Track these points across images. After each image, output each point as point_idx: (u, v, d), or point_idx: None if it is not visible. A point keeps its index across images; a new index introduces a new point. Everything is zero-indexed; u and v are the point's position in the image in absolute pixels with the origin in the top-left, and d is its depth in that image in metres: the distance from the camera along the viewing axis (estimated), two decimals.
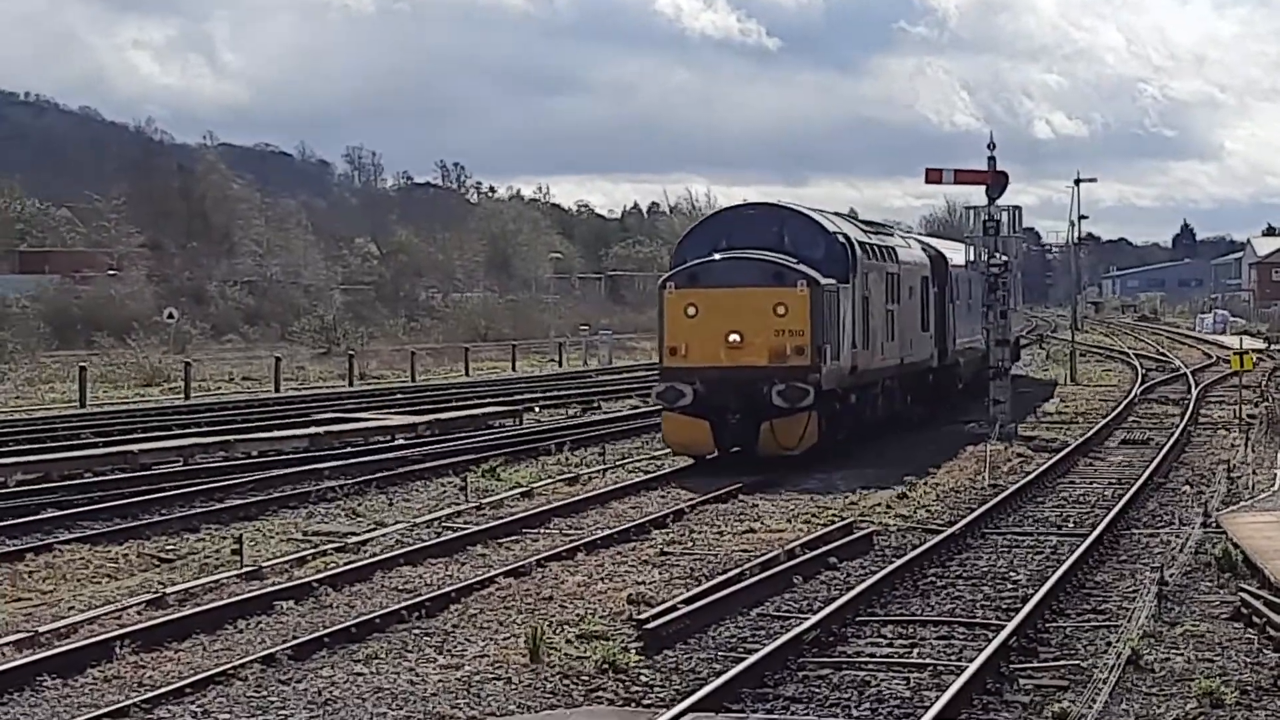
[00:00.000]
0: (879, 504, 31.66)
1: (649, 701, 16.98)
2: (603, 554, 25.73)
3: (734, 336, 37.82)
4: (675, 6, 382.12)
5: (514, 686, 17.44)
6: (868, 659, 19.18)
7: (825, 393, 38.06)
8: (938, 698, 16.45)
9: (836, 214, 46.23)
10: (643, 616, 20.11)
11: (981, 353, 55.65)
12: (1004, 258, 51.41)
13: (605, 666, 18.18)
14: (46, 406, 59.62)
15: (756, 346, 37.85)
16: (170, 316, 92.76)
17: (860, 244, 42.15)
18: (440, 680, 17.59)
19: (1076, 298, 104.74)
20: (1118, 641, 19.64)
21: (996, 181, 50.38)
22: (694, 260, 39.78)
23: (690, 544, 27.09)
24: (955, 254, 55.90)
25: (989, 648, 18.64)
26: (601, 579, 23.52)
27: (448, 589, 22.20)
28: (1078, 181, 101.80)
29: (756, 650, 18.83)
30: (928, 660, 19.07)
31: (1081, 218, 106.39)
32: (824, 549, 25.88)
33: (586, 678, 17.90)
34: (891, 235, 49.94)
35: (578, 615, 20.87)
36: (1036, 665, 18.85)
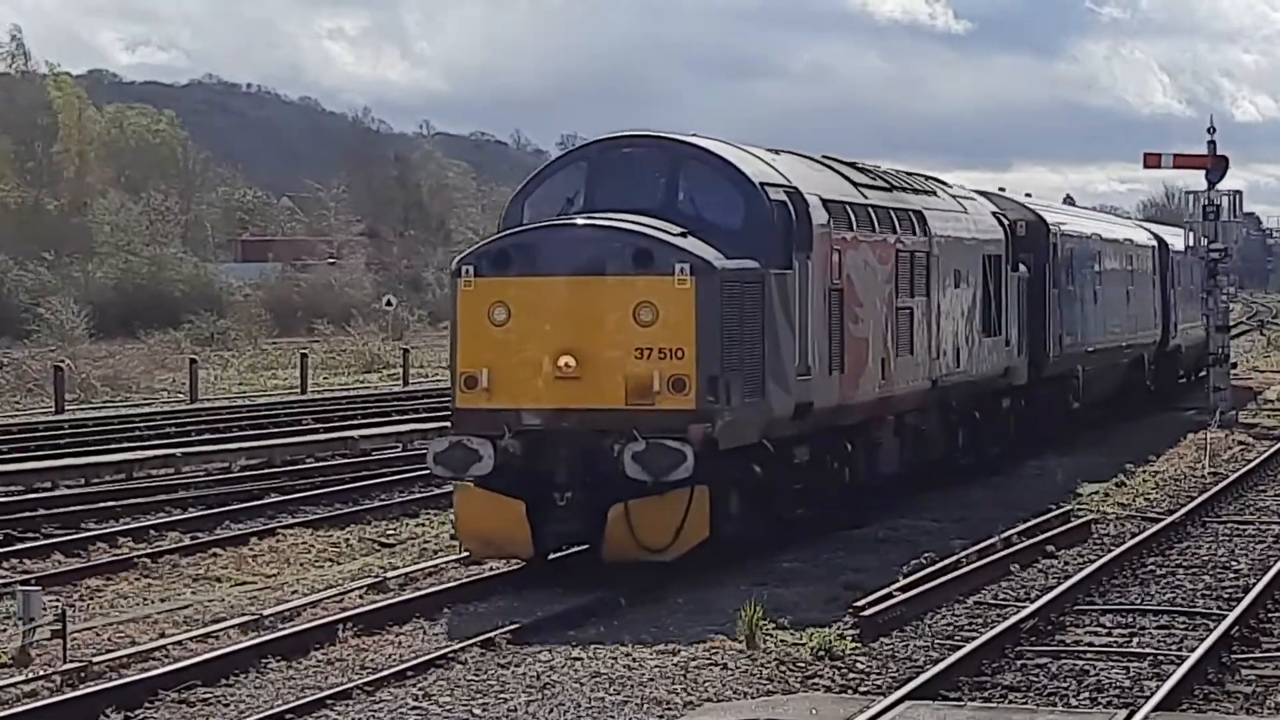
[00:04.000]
0: (1096, 492, 31.31)
1: (865, 689, 16.94)
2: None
3: (567, 360, 20.93)
4: None
5: (730, 672, 17.48)
6: (1086, 648, 19.06)
7: (727, 455, 21.40)
8: (1158, 687, 16.29)
9: (796, 154, 26.36)
10: (860, 603, 20.08)
11: (1199, 341, 54.33)
12: (1220, 246, 50.82)
13: (821, 653, 18.17)
14: (269, 393, 60.41)
15: (603, 377, 21.01)
16: (389, 304, 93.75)
17: (827, 204, 24.43)
18: (656, 665, 17.68)
19: None
20: None
21: (1216, 165, 49.77)
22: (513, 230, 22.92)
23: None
24: (1131, 232, 47.60)
25: (1210, 637, 18.44)
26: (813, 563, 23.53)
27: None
28: None
29: (974, 638, 18.75)
30: (1148, 649, 18.89)
31: None
32: (1041, 537, 25.68)
33: (803, 664, 17.90)
34: (933, 194, 31.11)
35: (794, 601, 20.90)
36: (1259, 655, 18.62)
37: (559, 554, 22.20)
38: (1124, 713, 15.23)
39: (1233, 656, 18.27)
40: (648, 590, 20.98)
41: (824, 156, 27.12)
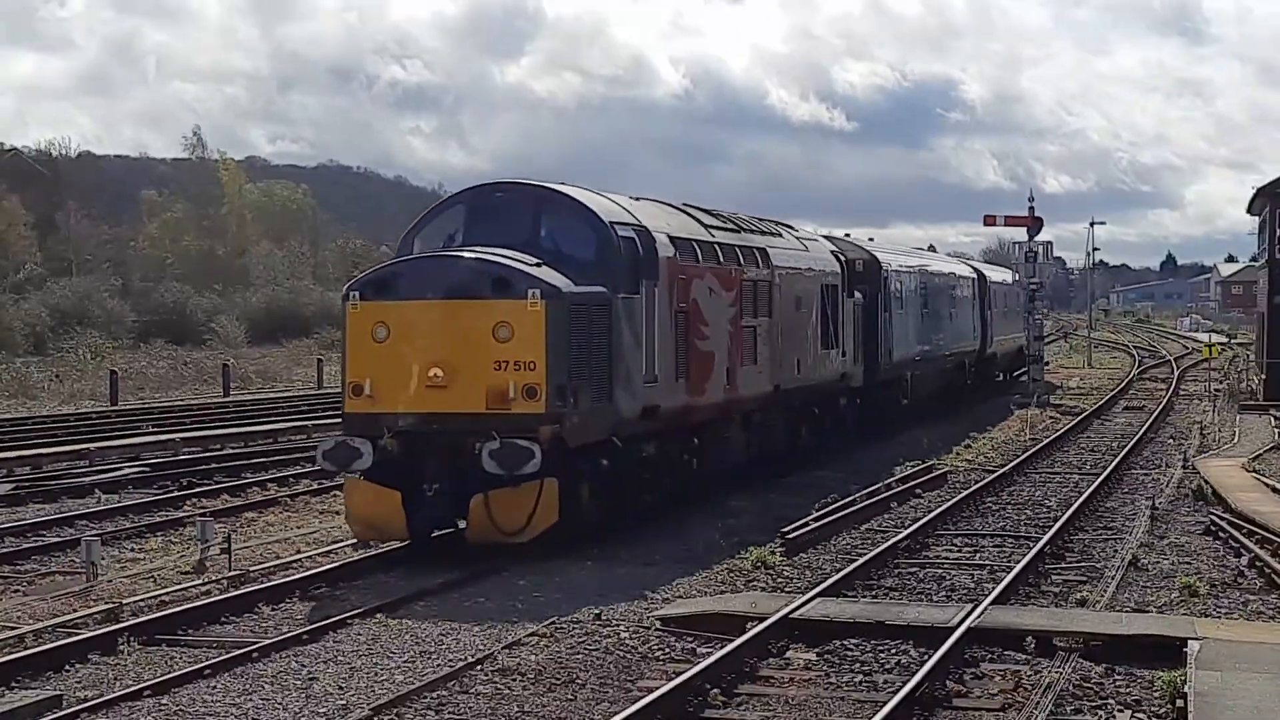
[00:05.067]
0: (950, 452, 31.32)
1: (789, 589, 16.94)
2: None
3: (436, 372, 18.54)
4: (781, 100, 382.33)
5: (694, 577, 17.48)
6: (943, 560, 19.06)
7: (575, 451, 18.82)
8: (994, 588, 16.30)
9: (655, 200, 23.52)
10: (786, 530, 20.07)
11: (1017, 347, 54.33)
12: (1036, 281, 50.95)
13: (758, 564, 18.17)
14: None
15: (467, 386, 18.45)
16: None
17: (675, 240, 21.71)
18: (645, 572, 17.74)
19: (1091, 306, 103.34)
20: (1122, 549, 19.39)
21: (1035, 224, 50.19)
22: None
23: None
24: (912, 260, 40.27)
25: (1030, 553, 18.46)
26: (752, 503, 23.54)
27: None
28: (1092, 224, 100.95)
29: (865, 554, 18.76)
30: (986, 562, 18.91)
31: (1095, 249, 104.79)
32: (912, 483, 25.68)
33: (745, 572, 17.90)
34: (778, 235, 28.15)
35: (740, 528, 20.89)
36: (1064, 565, 18.64)
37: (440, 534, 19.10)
38: (970, 605, 15.22)
39: (1046, 567, 18.29)
40: (643, 523, 20.95)
41: (684, 204, 24.32)
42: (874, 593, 16.81)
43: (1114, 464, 28.16)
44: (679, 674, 12.53)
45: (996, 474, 26.74)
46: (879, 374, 33.65)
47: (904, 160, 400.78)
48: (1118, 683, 12.83)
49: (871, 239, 40.58)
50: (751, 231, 26.21)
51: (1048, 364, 53.98)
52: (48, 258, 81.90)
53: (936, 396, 40.58)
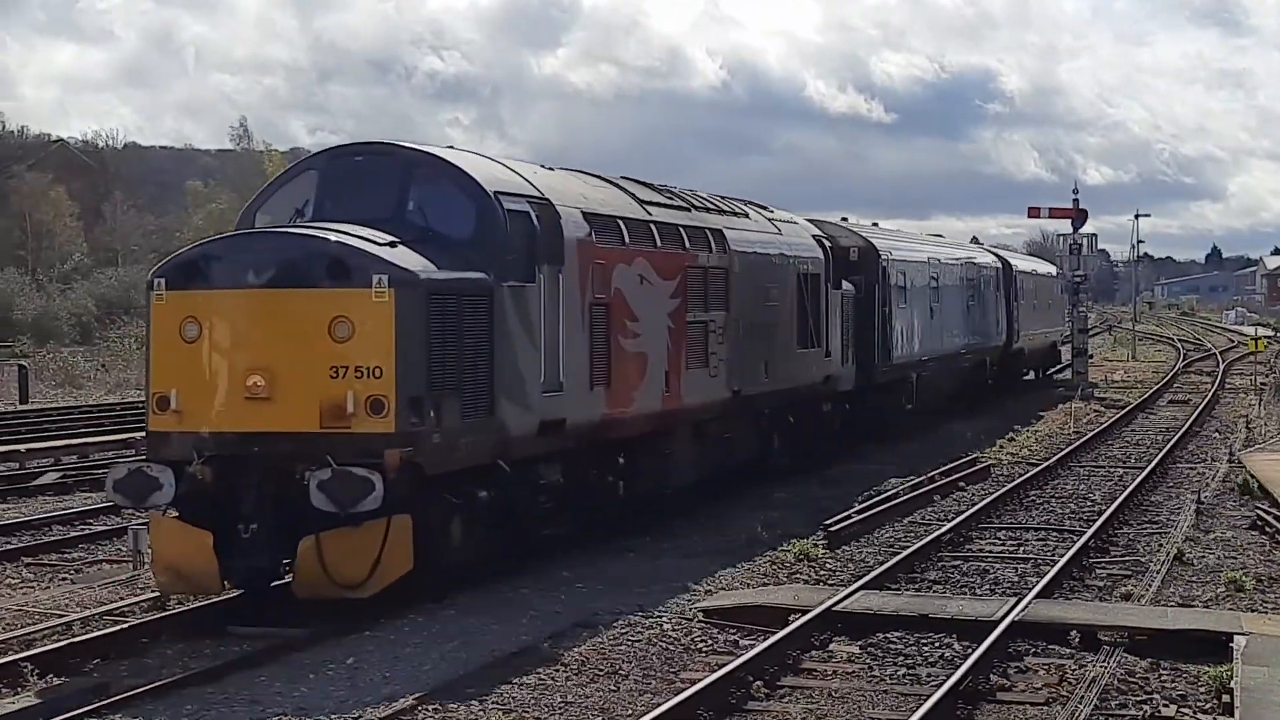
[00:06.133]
0: (994, 445, 31.19)
1: (832, 582, 16.91)
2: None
3: (256, 380, 14.32)
4: (818, 91, 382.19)
5: (738, 569, 17.49)
6: (987, 554, 19.00)
7: (440, 480, 14.80)
8: (1038, 582, 16.23)
9: (563, 170, 19.03)
10: (828, 522, 20.04)
11: (1050, 343, 52.00)
12: (1081, 273, 50.65)
13: (801, 557, 18.15)
14: None
15: (295, 398, 14.34)
16: None
17: (592, 217, 17.71)
18: (698, 558, 17.78)
19: (1135, 299, 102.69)
20: (1167, 544, 19.26)
21: (1079, 216, 49.94)
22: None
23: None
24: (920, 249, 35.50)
25: (1074, 547, 18.37)
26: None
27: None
28: (1137, 216, 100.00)
29: (908, 547, 18.71)
30: (1030, 556, 18.83)
31: (1140, 241, 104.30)
32: (955, 476, 25.60)
33: (788, 564, 17.89)
34: (741, 215, 23.62)
35: (782, 520, 20.87)
36: (1109, 559, 18.55)
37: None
38: (1014, 599, 15.17)
39: (1090, 561, 18.21)
40: (680, 510, 20.97)
41: (623, 177, 20.43)
42: (917, 586, 16.77)
43: (1159, 458, 27.99)
44: (721, 666, 12.55)
45: (1040, 467, 26.61)
46: (875, 375, 29.85)
47: (944, 152, 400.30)
48: (1163, 678, 12.77)
49: (876, 224, 36.74)
50: (706, 210, 22.11)
51: (1091, 357, 53.61)
52: (94, 248, 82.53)
53: (948, 400, 37.23)
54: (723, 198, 23.97)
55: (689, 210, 21.35)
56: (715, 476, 22.04)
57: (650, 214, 19.67)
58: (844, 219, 32.70)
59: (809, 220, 28.03)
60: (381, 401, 14.11)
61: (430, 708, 11.63)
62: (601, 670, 12.86)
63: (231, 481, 14.24)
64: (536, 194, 16.76)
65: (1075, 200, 49.91)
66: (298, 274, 14.29)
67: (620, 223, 18.50)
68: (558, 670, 12.82)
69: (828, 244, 27.06)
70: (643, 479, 19.37)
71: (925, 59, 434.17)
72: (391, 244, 14.67)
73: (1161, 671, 12.92)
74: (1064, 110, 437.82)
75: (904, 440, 30.62)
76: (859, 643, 13.89)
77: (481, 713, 11.54)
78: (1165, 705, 11.91)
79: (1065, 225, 51.18)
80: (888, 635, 14.06)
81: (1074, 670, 12.94)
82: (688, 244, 20.32)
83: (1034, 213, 52.15)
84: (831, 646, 13.83)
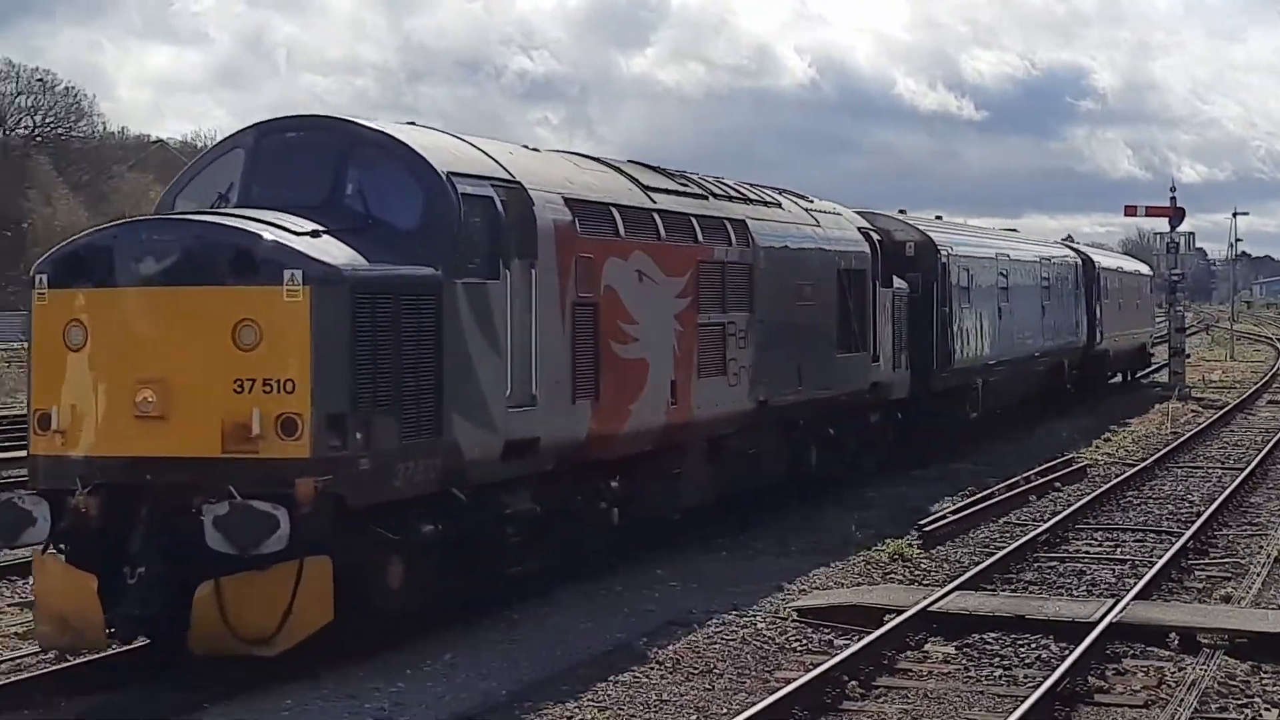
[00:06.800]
0: (1090, 446, 30.89)
1: (927, 582, 16.82)
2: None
3: (146, 395, 11.73)
4: (908, 89, 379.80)
5: (832, 569, 17.43)
6: (1084, 555, 18.82)
7: (371, 513, 12.20)
8: (1136, 583, 16.06)
9: (546, 151, 16.92)
10: (923, 522, 19.94)
11: (1139, 344, 49.58)
12: (1178, 272, 50.00)
13: (895, 557, 18.06)
14: None
15: (193, 416, 11.76)
16: None
17: (575, 203, 15.23)
18: (791, 560, 17.73)
19: (1233, 298, 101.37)
20: (1268, 545, 19.00)
21: (1176, 214, 49.35)
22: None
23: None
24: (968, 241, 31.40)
25: (1173, 548, 18.14)
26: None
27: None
28: (1235, 214, 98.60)
29: (1003, 547, 18.57)
30: (1128, 557, 18.62)
31: (1238, 240, 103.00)
32: (1050, 476, 25.38)
33: (883, 564, 17.82)
34: (771, 205, 21.07)
35: (875, 520, 20.77)
36: (1208, 561, 18.32)
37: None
38: (1111, 600, 15.02)
39: (1189, 562, 17.99)
40: (776, 513, 20.94)
41: (630, 161, 18.27)
42: (1013, 586, 16.63)
43: (1258, 459, 27.60)
44: (816, 665, 12.51)
45: (1137, 468, 26.32)
46: (933, 382, 27.18)
47: (1036, 150, 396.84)
48: (1265, 681, 12.59)
49: (939, 217, 34.23)
50: (727, 198, 19.55)
51: (1189, 357, 52.92)
52: None
53: (1019, 406, 34.30)
54: (752, 185, 21.46)
55: (705, 198, 18.78)
56: (737, 497, 19.65)
57: (654, 201, 17.20)
58: (901, 211, 29.86)
59: (858, 212, 25.62)
60: (294, 421, 11.64)
61: (526, 704, 11.66)
62: (696, 669, 12.86)
63: (120, 516, 11.82)
64: (504, 176, 14.22)
65: (1172, 198, 49.35)
66: (195, 269, 11.90)
67: (613, 210, 16.02)
68: (652, 668, 12.83)
69: (876, 238, 24.46)
70: (643, 503, 16.86)
71: (1016, 56, 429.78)
72: (314, 233, 12.24)
73: (1263, 675, 12.75)
74: (1158, 107, 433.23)
75: (971, 450, 29.37)
76: (954, 643, 13.80)
77: (577, 709, 11.58)
78: (1267, 709, 11.76)
79: (1161, 224, 50.63)
80: (984, 636, 13.96)
81: (1173, 673, 12.78)
82: (700, 235, 17.88)
83: (1130, 211, 51.62)
84: (927, 647, 13.76)
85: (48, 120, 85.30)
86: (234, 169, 13.70)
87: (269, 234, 12.06)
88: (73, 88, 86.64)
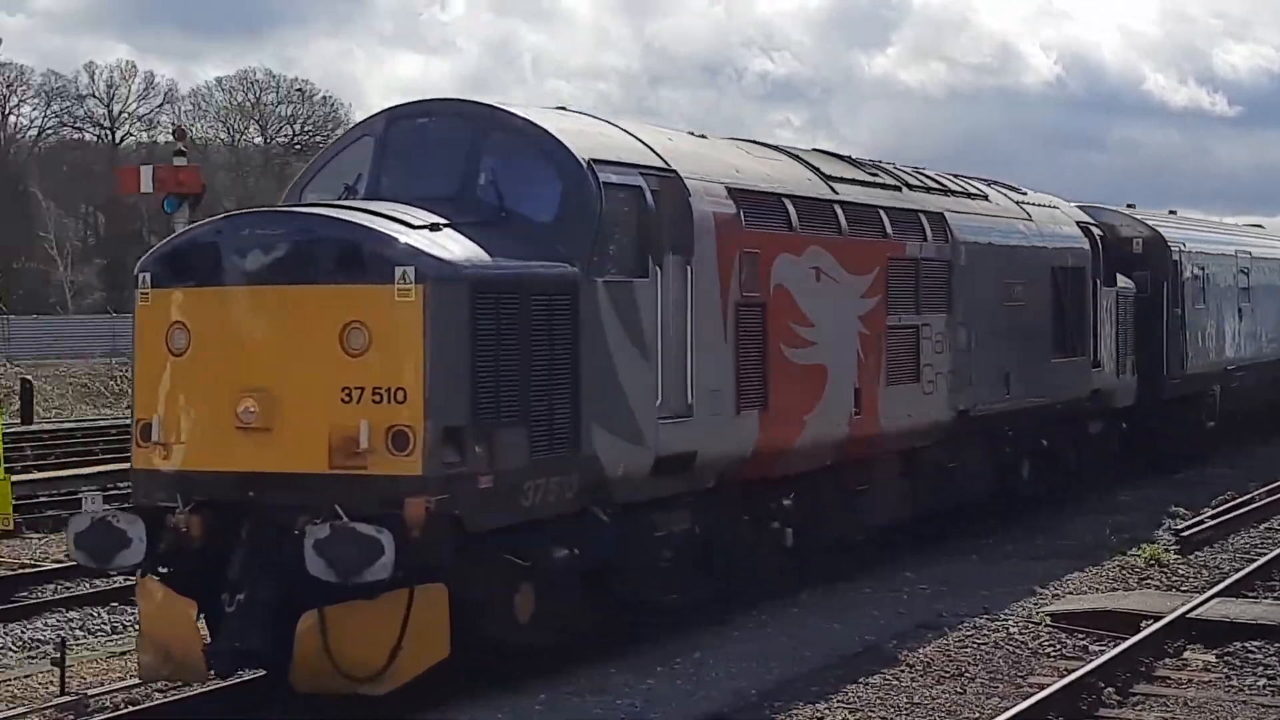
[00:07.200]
0: None
1: (1185, 589, 16.37)
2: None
3: (248, 405, 10.70)
4: (1157, 85, 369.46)
5: (1085, 574, 17.10)
6: None
7: (495, 537, 11.02)
8: None
9: (711, 137, 15.41)
10: (1180, 527, 19.43)
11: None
12: None
13: (1152, 562, 17.62)
14: None
15: (299, 430, 10.68)
16: None
17: (739, 193, 13.79)
18: (1035, 566, 17.40)
19: None
20: None
21: None
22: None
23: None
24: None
25: None
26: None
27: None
28: None
29: (1265, 554, 17.99)
30: None
31: None
32: None
33: (1138, 570, 17.41)
34: (976, 197, 19.63)
35: (1129, 525, 20.29)
36: None
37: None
38: None
39: None
40: (1026, 515, 20.58)
41: (814, 150, 17.21)
42: (1276, 594, 16.09)
43: None
44: (1071, 671, 12.27)
45: None
46: (1163, 388, 25.28)
47: None
48: None
49: (1173, 212, 31.91)
50: (922, 189, 18.05)
51: None
52: None
53: (1263, 416, 31.78)
54: (956, 176, 19.92)
55: (898, 189, 17.34)
56: (931, 516, 18.07)
57: (836, 192, 15.75)
58: (1130, 206, 28.04)
59: (1079, 206, 23.78)
60: (405, 434, 10.54)
61: (775, 704, 11.65)
62: (947, 672, 12.71)
63: (224, 537, 10.86)
64: (657, 164, 13.06)
65: None
66: (300, 266, 10.89)
67: (786, 202, 14.61)
68: (902, 671, 12.71)
69: (1098, 233, 22.60)
70: (822, 523, 15.47)
71: (1272, 49, 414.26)
72: (432, 226, 11.16)
73: None
74: None
75: (1212, 459, 27.69)
76: (1215, 651, 13.40)
77: (827, 711, 11.51)
78: None
79: None
80: (1246, 644, 13.51)
81: None
82: (890, 229, 16.40)
83: None
84: (1186, 655, 13.38)
85: (306, 129, 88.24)
86: (363, 159, 12.73)
87: (380, 226, 11.00)
88: (330, 97, 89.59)
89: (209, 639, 11.01)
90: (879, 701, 11.82)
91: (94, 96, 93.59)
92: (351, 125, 13.72)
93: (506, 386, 11.07)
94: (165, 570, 11.12)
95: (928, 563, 17.32)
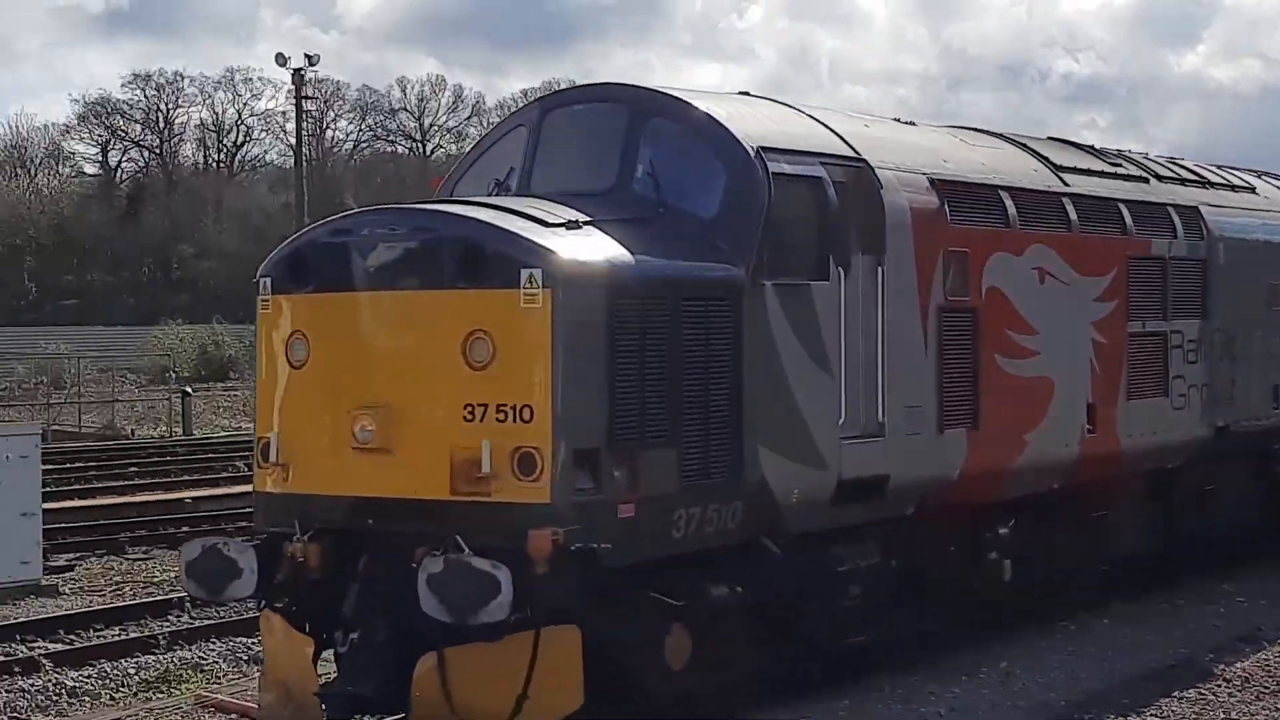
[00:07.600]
0: None
1: None
2: None
3: (364, 424, 9.46)
4: None
5: None
6: None
7: (635, 573, 9.51)
8: None
9: (911, 123, 13.70)
10: None
11: None
12: None
13: None
14: None
15: (419, 450, 9.37)
16: None
17: (943, 185, 12.13)
18: None
19: None
20: None
21: None
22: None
23: None
24: None
25: None
26: None
27: None
28: None
29: None
30: None
31: None
32: None
33: None
34: (1240, 189, 17.30)
35: None
36: None
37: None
38: None
39: None
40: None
41: (1049, 139, 15.54)
42: None
43: None
44: None
45: None
46: None
47: None
48: None
49: None
50: (1174, 180, 16.10)
51: None
52: None
53: None
54: (1220, 168, 17.84)
55: (1144, 181, 15.46)
56: (1185, 546, 15.91)
57: (1066, 183, 14.03)
58: None
59: None
60: (532, 456, 9.24)
61: (1086, 715, 11.39)
62: (1267, 688, 12.21)
63: (340, 567, 9.84)
64: (842, 153, 11.53)
65: None
66: (419, 269, 9.69)
67: (1002, 194, 12.95)
68: (1219, 685, 12.28)
69: None
70: (1048, 556, 13.65)
71: None
72: (570, 223, 9.81)
73: None
74: None
75: None
76: None
77: None
78: None
79: None
80: None
81: None
82: (1131, 225, 14.56)
83: None
84: None
85: None
86: (516, 151, 11.44)
87: (507, 225, 9.66)
88: None
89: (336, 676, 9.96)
90: (1193, 716, 11.48)
91: (406, 110, 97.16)
92: (508, 115, 12.62)
93: (653, 403, 9.71)
94: (284, 602, 10.12)
95: (1247, 576, 16.68)
